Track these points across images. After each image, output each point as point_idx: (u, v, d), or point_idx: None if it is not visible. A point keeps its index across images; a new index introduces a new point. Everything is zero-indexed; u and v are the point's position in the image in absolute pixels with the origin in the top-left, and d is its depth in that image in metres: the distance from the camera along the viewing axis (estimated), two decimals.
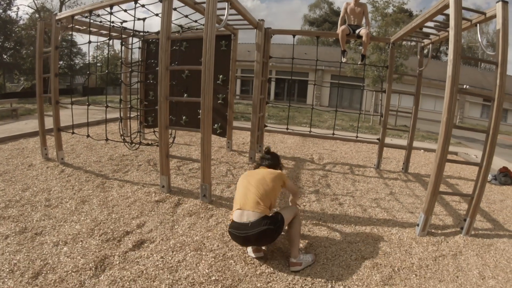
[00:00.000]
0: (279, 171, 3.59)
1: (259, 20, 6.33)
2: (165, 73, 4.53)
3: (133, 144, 5.92)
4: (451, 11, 3.77)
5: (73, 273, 2.90)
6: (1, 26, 25.50)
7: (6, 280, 2.77)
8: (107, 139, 6.09)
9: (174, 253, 3.33)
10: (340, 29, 6.22)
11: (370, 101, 19.62)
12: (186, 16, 6.02)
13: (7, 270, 2.89)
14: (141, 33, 6.99)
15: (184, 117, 7.05)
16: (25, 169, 5.75)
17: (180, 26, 6.76)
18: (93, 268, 2.98)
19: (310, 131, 7.40)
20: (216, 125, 7.13)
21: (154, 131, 6.67)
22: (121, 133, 6.17)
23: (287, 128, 7.60)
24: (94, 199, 4.60)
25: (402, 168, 6.98)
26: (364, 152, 8.61)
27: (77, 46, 29.97)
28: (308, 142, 9.48)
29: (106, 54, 35.10)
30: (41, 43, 6.11)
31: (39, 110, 6.39)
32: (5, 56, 27.22)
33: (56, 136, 6.15)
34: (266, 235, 3.06)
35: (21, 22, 26.47)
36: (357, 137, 7.32)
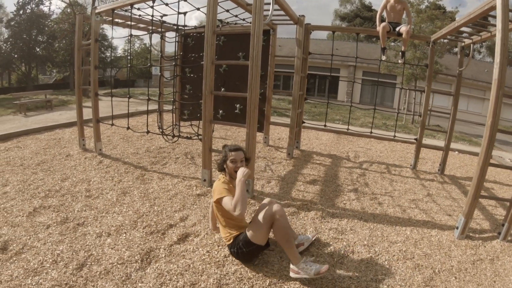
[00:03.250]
0: (214, 184, 3.19)
1: (299, 16, 6.24)
2: (210, 67, 4.52)
3: (173, 137, 5.93)
4: (498, 13, 3.63)
5: (118, 265, 2.91)
6: (34, 20, 26.27)
7: (49, 271, 2.78)
8: (148, 132, 6.14)
9: (220, 247, 3.31)
10: (380, 26, 6.03)
11: (402, 99, 19.06)
12: (227, 11, 5.99)
13: (50, 260, 2.91)
14: (180, 27, 6.98)
15: (221, 111, 7.02)
16: (63, 159, 5.83)
17: (220, 20, 6.74)
18: (139, 261, 2.98)
19: (348, 129, 7.24)
20: None
21: (191, 124, 6.64)
22: (159, 125, 6.19)
23: (325, 125, 7.48)
24: (135, 190, 4.64)
25: (438, 170, 6.77)
26: (399, 151, 8.39)
27: (107, 40, 30.69)
28: (342, 139, 9.32)
29: (137, 48, 35.71)
30: (79, 36, 6.19)
31: (78, 101, 6.48)
32: (38, 49, 28.03)
33: (95, 127, 6.22)
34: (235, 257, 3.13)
35: (54, 16, 27.20)
36: (395, 136, 7.16)
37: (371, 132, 7.21)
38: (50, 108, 12.46)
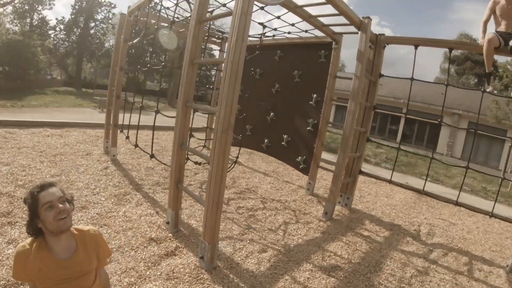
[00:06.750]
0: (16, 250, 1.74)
1: (362, 18, 4.45)
2: (189, 68, 3.19)
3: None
4: None
5: None
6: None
7: None
8: (136, 146, 5.30)
9: None
10: (485, 39, 3.86)
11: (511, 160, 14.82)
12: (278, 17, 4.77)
13: None
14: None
15: (266, 141, 5.91)
16: (79, 157, 5.58)
17: (275, 29, 5.66)
18: None
19: (423, 190, 5.04)
20: (300, 157, 5.53)
21: (204, 145, 5.27)
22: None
23: (390, 180, 5.26)
24: (93, 211, 3.67)
25: None
26: (496, 234, 5.55)
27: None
28: (422, 203, 6.63)
29: None
30: (119, 37, 6.02)
31: (108, 103, 6.32)
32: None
33: (112, 131, 5.85)
34: None
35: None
36: (491, 215, 4.57)
37: (456, 202, 4.85)
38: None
